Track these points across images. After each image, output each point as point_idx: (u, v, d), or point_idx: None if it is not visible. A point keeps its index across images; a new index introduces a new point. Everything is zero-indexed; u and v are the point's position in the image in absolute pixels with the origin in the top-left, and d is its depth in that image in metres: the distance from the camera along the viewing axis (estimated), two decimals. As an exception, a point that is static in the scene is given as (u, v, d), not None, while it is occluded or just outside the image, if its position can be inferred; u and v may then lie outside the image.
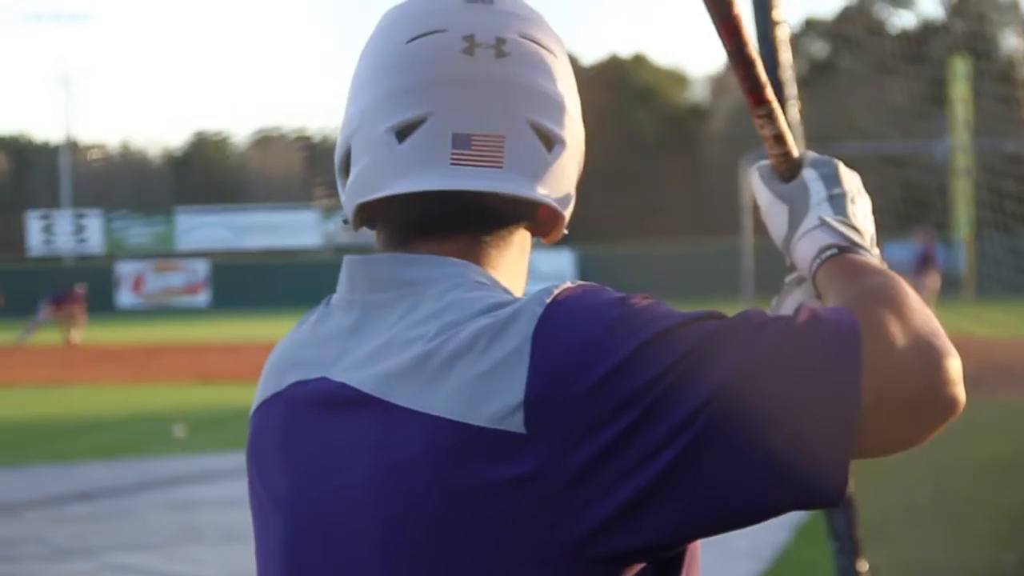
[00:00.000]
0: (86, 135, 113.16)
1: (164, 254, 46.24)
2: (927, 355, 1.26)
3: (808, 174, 1.57)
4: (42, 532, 9.37)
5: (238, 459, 12.36)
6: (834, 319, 1.26)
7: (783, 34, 4.67)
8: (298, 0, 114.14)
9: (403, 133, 1.40)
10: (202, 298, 44.85)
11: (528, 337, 1.28)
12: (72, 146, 62.22)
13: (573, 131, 1.46)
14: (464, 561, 1.27)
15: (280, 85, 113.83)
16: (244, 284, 38.36)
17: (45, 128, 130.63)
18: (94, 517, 9.86)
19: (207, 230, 46.07)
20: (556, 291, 1.33)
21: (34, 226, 49.03)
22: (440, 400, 1.29)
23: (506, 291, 1.41)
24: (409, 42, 1.41)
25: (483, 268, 1.42)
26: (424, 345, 1.32)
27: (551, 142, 1.42)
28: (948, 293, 20.77)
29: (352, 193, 1.46)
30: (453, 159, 1.38)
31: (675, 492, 1.23)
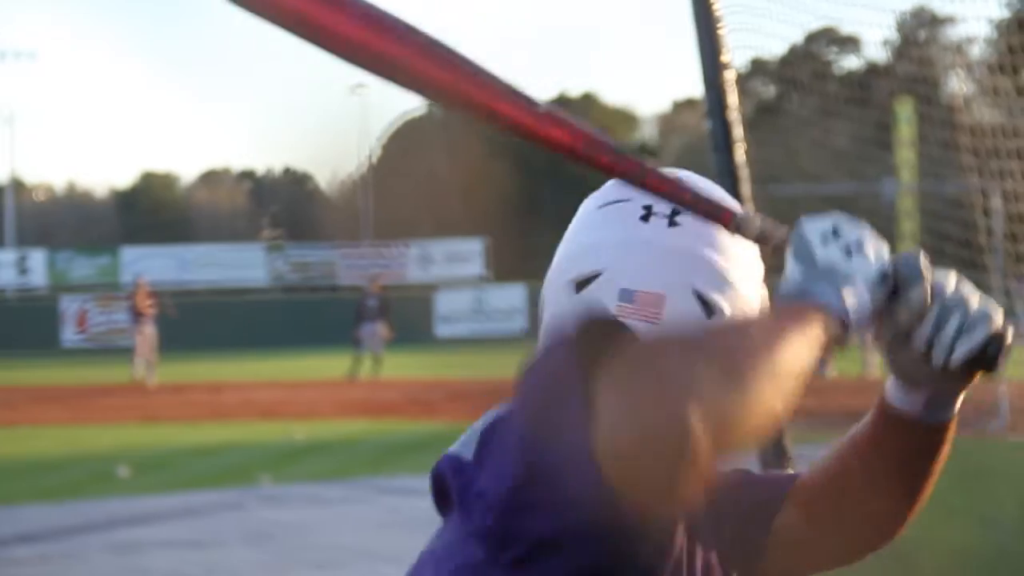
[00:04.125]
0: (31, 174, 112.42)
1: (108, 288, 45.84)
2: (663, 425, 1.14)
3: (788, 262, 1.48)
4: (-17, 575, 9.24)
5: (183, 499, 12.29)
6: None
7: (730, 77, 4.70)
8: (244, 40, 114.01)
9: (581, 285, 1.58)
10: (147, 337, 44.45)
11: None
12: (16, 185, 61.76)
13: (736, 303, 1.57)
14: None
15: (227, 122, 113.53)
16: (190, 323, 38.10)
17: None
18: (38, 559, 9.75)
19: (153, 264, 45.72)
20: None
21: (-23, 265, 48.57)
22: None
23: None
24: (600, 208, 1.62)
25: None
26: None
27: (711, 311, 1.55)
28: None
29: (543, 334, 1.62)
30: (619, 311, 1.54)
31: None
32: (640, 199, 1.57)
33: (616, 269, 1.55)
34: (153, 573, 9.25)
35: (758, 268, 1.63)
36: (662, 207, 1.57)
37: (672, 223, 1.56)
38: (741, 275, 1.59)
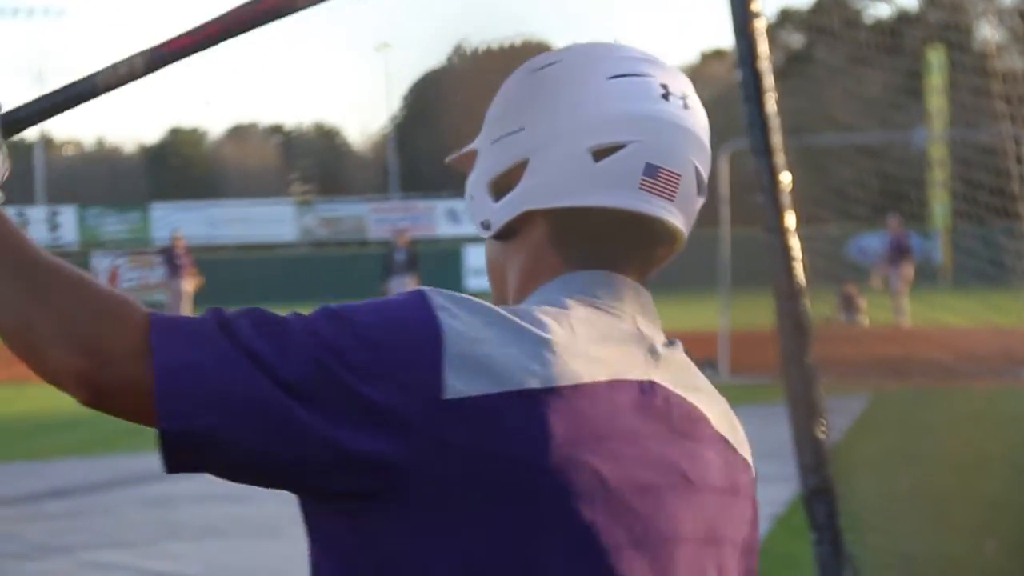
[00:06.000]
0: (61, 131, 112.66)
1: (139, 246, 46.01)
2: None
3: None
4: (18, 530, 9.33)
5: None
6: None
7: (760, 26, 4.67)
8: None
9: (600, 154, 1.58)
10: (178, 293, 44.62)
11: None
12: (46, 142, 62.00)
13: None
14: None
15: (255, 79, 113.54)
16: (221, 279, 38.18)
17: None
18: (70, 514, 9.82)
19: (182, 220, 45.80)
20: None
21: (8, 222, 48.74)
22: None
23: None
24: (611, 78, 1.60)
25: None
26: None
27: (701, 190, 1.64)
28: (925, 283, 20.83)
29: (522, 201, 1.62)
30: (642, 185, 1.58)
31: None
32: (654, 76, 1.62)
33: (643, 143, 1.58)
34: (185, 527, 9.31)
35: None
36: (676, 87, 1.62)
37: (686, 105, 1.62)
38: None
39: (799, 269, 4.65)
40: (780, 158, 4.64)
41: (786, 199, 4.63)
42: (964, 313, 10.43)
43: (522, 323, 1.47)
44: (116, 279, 44.63)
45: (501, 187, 1.64)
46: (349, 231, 47.80)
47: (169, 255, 27.98)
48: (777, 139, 4.64)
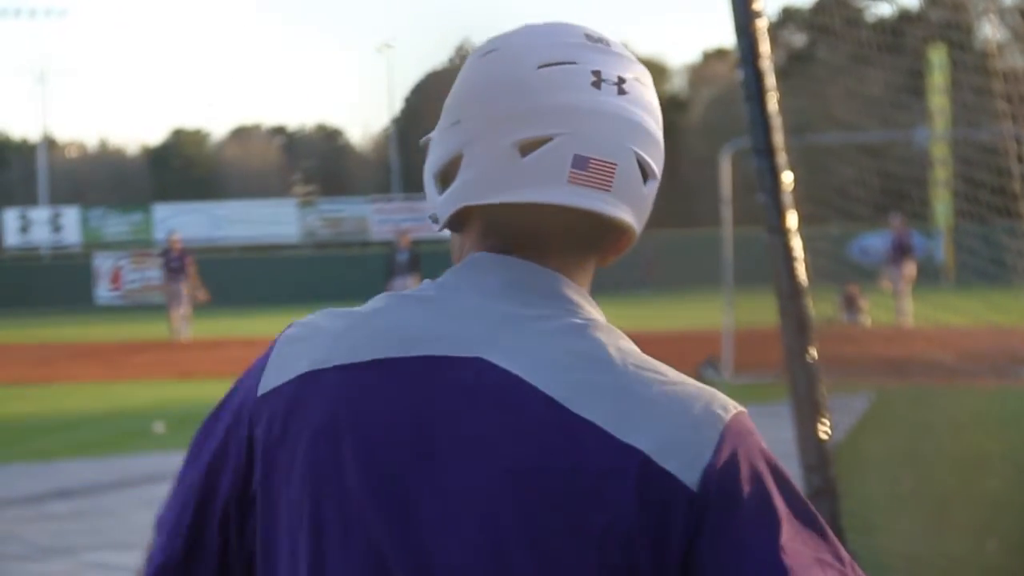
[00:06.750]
0: (64, 132, 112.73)
1: (141, 245, 46.06)
2: None
3: None
4: (21, 531, 9.33)
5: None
6: None
7: (762, 25, 4.67)
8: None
9: (527, 148, 1.53)
10: (181, 294, 44.61)
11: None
12: (49, 143, 61.98)
13: (660, 164, 1.62)
14: None
15: (258, 80, 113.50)
16: (223, 280, 38.25)
17: (22, 125, 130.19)
18: (74, 515, 9.82)
19: (185, 221, 45.83)
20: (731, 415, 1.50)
21: (11, 224, 48.80)
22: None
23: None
24: (541, 68, 1.56)
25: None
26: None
27: (647, 176, 1.58)
28: (928, 282, 20.83)
29: (458, 196, 1.59)
30: (571, 178, 1.53)
31: None
32: (586, 62, 1.56)
33: (570, 135, 1.52)
34: (190, 528, 9.31)
35: None
36: (609, 73, 1.56)
37: (621, 91, 1.56)
38: (661, 135, 1.62)
39: (801, 269, 4.65)
40: (782, 157, 4.64)
41: (788, 199, 4.63)
42: (966, 312, 10.42)
43: (332, 313, 1.61)
44: (119, 280, 44.68)
45: (446, 179, 1.62)
46: (351, 231, 47.81)
47: (166, 257, 27.96)
48: (779, 138, 4.65)
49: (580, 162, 1.53)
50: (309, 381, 1.55)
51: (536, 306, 1.55)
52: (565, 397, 1.47)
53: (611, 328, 1.56)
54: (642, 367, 1.51)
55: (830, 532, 1.49)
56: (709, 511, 1.44)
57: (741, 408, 1.52)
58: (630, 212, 1.57)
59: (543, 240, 1.58)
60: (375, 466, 1.49)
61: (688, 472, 1.44)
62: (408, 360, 1.52)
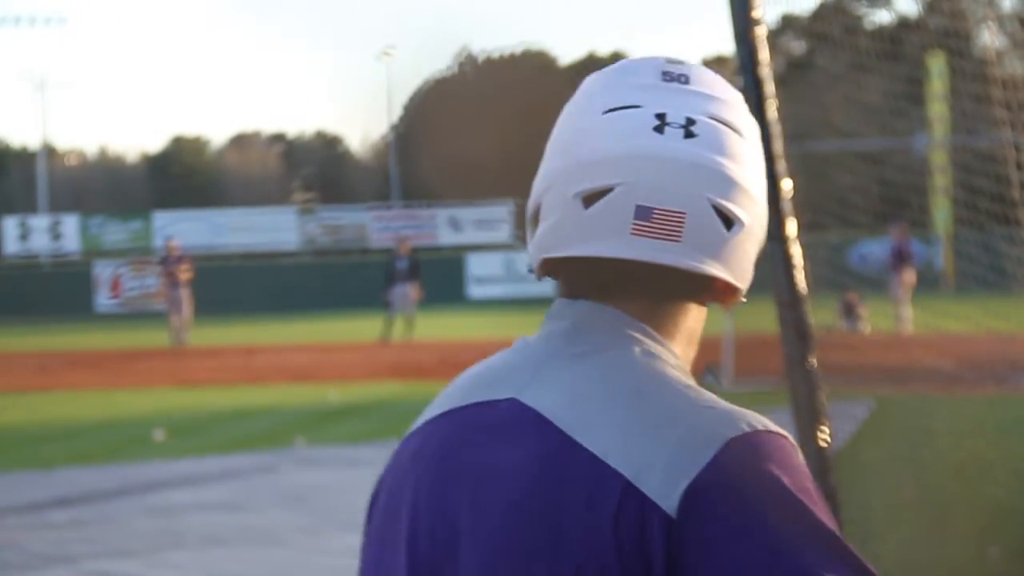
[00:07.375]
0: (63, 140, 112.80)
1: (141, 253, 46.05)
2: None
3: None
4: (21, 539, 9.32)
5: (218, 462, 12.36)
6: None
7: (761, 32, 4.67)
8: (274, 4, 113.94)
9: (590, 199, 1.49)
10: (180, 302, 44.58)
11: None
12: (49, 151, 61.98)
13: (754, 212, 1.53)
14: None
15: (257, 88, 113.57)
16: (223, 287, 38.28)
17: (22, 133, 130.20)
18: (74, 523, 9.82)
19: (185, 228, 45.80)
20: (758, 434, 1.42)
21: (11, 232, 48.79)
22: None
23: (676, 357, 1.56)
24: (605, 113, 1.51)
25: (659, 333, 1.55)
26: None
27: (730, 222, 1.50)
28: (927, 289, 20.85)
29: (538, 247, 1.57)
30: (634, 230, 1.47)
31: None
32: (651, 105, 1.49)
33: (631, 184, 1.46)
34: (189, 536, 9.30)
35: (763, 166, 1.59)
36: (676, 115, 1.49)
37: (689, 133, 1.48)
38: (755, 180, 1.53)
39: (801, 277, 4.65)
40: (781, 165, 4.63)
41: (787, 206, 4.63)
42: (966, 319, 10.42)
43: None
44: (118, 287, 44.65)
45: (536, 225, 1.59)
46: (351, 239, 47.79)
47: (164, 263, 27.94)
48: (778, 146, 4.64)
49: (643, 212, 1.47)
50: (417, 432, 1.64)
51: (582, 344, 1.51)
52: (574, 428, 1.43)
53: (655, 357, 1.51)
54: (668, 394, 1.46)
55: (855, 559, 1.37)
56: (687, 536, 1.35)
57: (775, 429, 1.43)
58: (711, 260, 1.49)
59: (615, 288, 1.53)
60: (415, 520, 1.55)
61: (666, 493, 1.36)
62: (462, 410, 1.57)
